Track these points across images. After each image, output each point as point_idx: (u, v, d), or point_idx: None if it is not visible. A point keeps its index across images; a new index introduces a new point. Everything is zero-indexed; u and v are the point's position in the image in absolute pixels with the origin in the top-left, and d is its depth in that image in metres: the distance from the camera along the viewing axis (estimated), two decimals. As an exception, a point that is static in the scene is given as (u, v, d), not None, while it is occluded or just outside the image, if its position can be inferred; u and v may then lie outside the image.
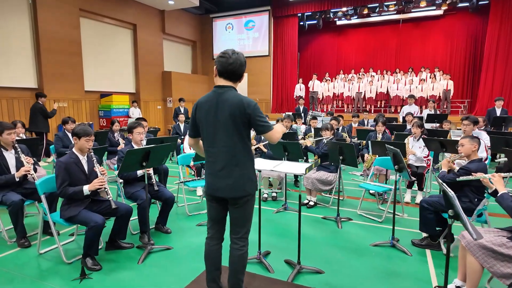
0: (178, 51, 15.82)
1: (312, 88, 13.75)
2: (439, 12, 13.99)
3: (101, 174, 3.14)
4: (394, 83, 13.62)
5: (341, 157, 4.05)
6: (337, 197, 5.01)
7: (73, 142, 5.39)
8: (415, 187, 5.09)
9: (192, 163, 4.60)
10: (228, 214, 2.28)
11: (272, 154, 5.06)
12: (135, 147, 3.81)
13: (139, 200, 3.50)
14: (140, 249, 3.44)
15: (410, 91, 13.24)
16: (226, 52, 2.12)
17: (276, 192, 5.16)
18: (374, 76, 14.32)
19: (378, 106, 14.29)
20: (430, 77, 13.17)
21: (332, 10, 14.31)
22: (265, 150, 5.06)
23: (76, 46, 10.76)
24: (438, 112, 10.13)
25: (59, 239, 3.61)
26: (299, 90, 13.87)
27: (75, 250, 3.44)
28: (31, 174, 3.58)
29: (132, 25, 13.03)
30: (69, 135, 5.62)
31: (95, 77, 11.82)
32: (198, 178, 4.58)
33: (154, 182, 3.66)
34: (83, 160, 3.19)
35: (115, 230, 3.34)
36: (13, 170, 3.68)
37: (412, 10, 13.81)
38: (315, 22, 15.44)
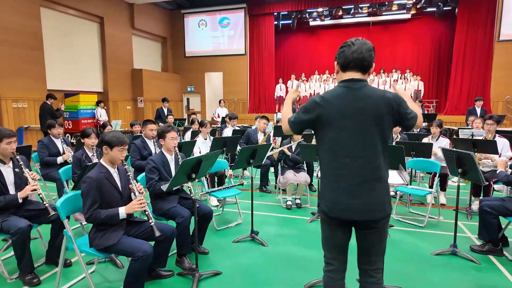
0: (148, 48, 14.82)
1: (291, 88, 13.60)
2: (407, 16, 14.61)
3: (139, 192, 2.55)
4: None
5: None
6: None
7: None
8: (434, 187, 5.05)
9: (231, 171, 4.09)
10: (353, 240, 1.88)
11: (299, 159, 4.71)
12: (166, 154, 3.24)
13: (179, 217, 2.96)
14: (182, 277, 2.91)
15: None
16: (345, 42, 1.79)
17: (300, 199, 4.82)
18: (348, 77, 14.58)
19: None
20: (401, 78, 13.71)
21: (308, 10, 14.30)
22: (289, 153, 4.69)
23: (37, 39, 9.51)
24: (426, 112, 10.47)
25: (74, 270, 2.97)
26: (279, 90, 13.66)
27: (103, 284, 2.81)
28: (40, 194, 2.87)
29: (99, 18, 11.91)
30: (56, 141, 4.78)
31: (58, 75, 10.58)
32: (221, 188, 4.07)
33: (193, 195, 3.13)
34: (115, 173, 2.59)
35: (154, 256, 2.75)
36: (11, 188, 2.93)
37: (383, 13, 14.27)
38: (289, 22, 15.37)
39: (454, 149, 3.21)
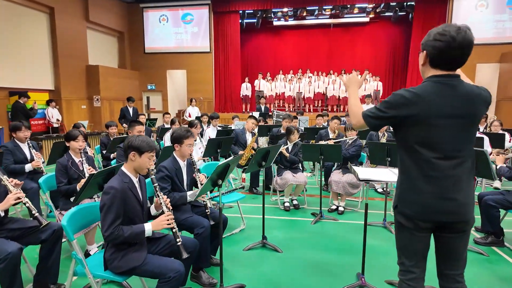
0: (104, 43, 13.75)
1: (258, 87, 13.52)
2: (366, 19, 15.29)
3: (166, 207, 2.23)
4: (329, 84, 14.36)
5: (389, 159, 3.85)
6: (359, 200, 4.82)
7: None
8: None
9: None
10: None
11: (296, 159, 4.59)
12: (179, 160, 2.91)
13: (199, 228, 2.68)
14: (203, 294, 2.63)
15: (346, 91, 14.14)
16: (444, 31, 1.55)
17: (296, 199, 4.72)
18: (311, 77, 14.88)
19: (315, 105, 14.91)
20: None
21: (273, 10, 14.30)
22: (287, 154, 4.54)
23: (-25, 29, 8.30)
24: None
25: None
26: (245, 89, 13.49)
27: (114, 310, 2.43)
28: (26, 203, 2.40)
29: (48, 8, 10.75)
30: (22, 146, 4.14)
31: (2, 70, 9.33)
32: (224, 192, 3.80)
33: (206, 202, 2.85)
34: (137, 184, 2.25)
35: (174, 274, 2.45)
36: (-15, 202, 2.43)
37: (344, 16, 14.77)
38: (253, 20, 15.28)
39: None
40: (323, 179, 4.53)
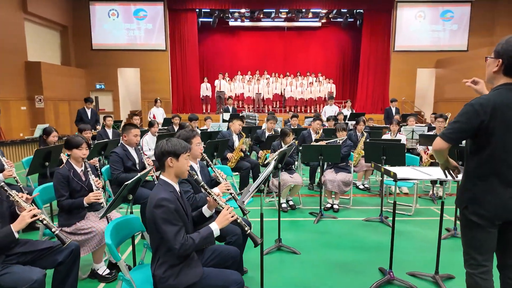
0: (44, 37, 12.39)
1: (219, 88, 13.32)
2: (318, 24, 15.98)
3: (221, 201, 2.15)
4: (286, 85, 14.74)
5: (384, 157, 4.08)
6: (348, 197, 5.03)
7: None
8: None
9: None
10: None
11: (292, 160, 4.62)
12: (192, 163, 2.75)
13: (232, 235, 2.57)
14: (241, 304, 2.51)
15: (302, 93, 14.67)
16: None
17: (292, 200, 4.76)
18: (269, 78, 15.12)
19: (274, 106, 15.18)
20: (316, 81, 14.94)
21: (230, 10, 14.22)
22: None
23: None
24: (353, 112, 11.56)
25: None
26: (205, 89, 13.20)
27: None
28: (43, 220, 2.07)
29: (-23, -5, 9.37)
30: (-11, 154, 3.55)
31: None
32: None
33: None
34: (179, 192, 2.09)
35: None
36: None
37: (299, 20, 15.27)
38: (209, 20, 15.04)
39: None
40: (318, 178, 4.63)
